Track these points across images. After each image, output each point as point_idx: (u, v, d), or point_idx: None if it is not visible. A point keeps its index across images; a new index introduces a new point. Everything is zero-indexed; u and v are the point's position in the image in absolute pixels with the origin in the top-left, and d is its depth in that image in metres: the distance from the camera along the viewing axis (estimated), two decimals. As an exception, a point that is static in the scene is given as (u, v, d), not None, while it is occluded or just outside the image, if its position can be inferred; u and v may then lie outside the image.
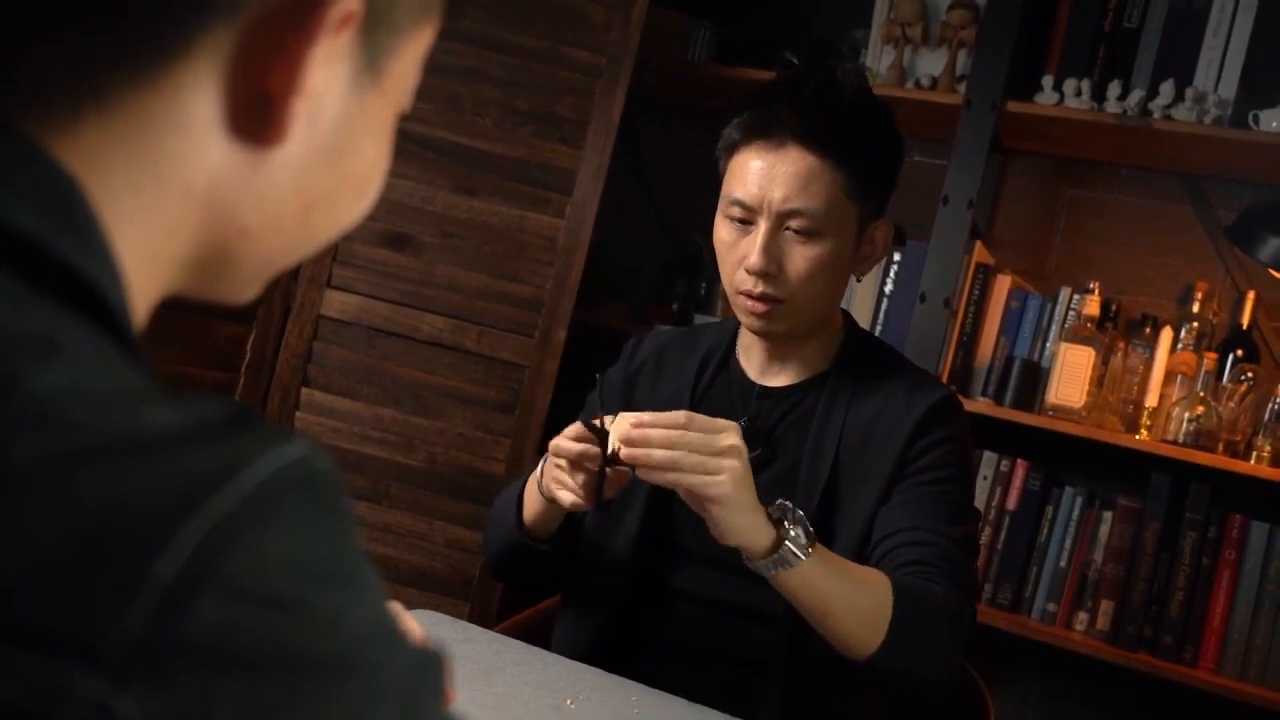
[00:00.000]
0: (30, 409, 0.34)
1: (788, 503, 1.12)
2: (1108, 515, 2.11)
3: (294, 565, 0.35)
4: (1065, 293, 2.16)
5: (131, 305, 0.42)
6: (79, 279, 0.39)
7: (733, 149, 1.30)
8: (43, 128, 0.41)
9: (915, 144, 2.41)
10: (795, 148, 1.25)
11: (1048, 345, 2.16)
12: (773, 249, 1.26)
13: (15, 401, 0.34)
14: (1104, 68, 2.14)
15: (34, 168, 0.40)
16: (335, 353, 2.11)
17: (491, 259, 2.09)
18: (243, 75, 0.43)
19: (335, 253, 2.09)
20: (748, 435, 1.32)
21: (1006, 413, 2.10)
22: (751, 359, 1.39)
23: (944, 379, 2.13)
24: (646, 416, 1.10)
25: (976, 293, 2.17)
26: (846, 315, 1.42)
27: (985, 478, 2.17)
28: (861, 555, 1.26)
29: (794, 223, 1.26)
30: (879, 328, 2.22)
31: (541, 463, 1.24)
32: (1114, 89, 2.07)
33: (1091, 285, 2.12)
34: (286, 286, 2.10)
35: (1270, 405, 2.00)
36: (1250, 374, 2.03)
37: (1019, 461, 2.17)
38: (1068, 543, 2.14)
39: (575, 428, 1.17)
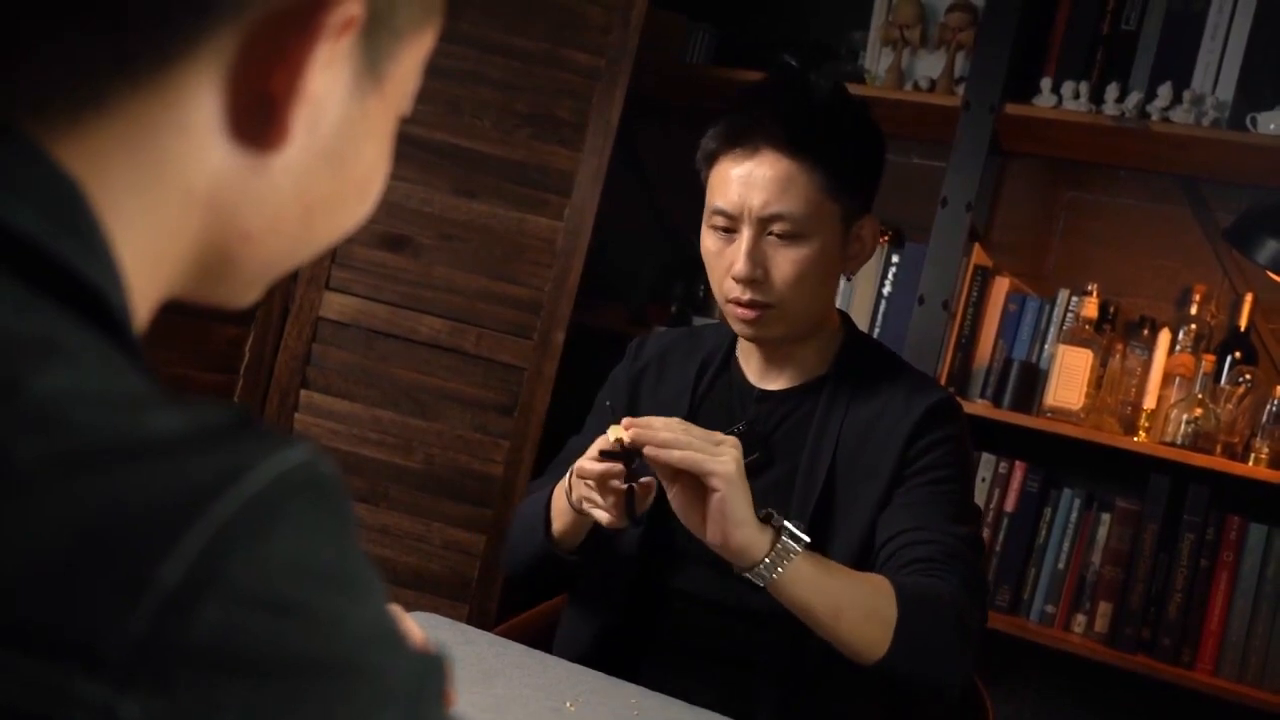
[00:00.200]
0: (32, 412, 0.34)
1: (773, 511, 1.13)
2: (1106, 517, 2.11)
3: (297, 569, 0.35)
4: (1063, 295, 2.16)
5: (133, 308, 0.42)
6: (81, 282, 0.39)
7: (711, 159, 1.31)
8: (44, 130, 0.41)
9: (913, 146, 2.42)
10: (770, 152, 1.26)
11: (1046, 347, 2.16)
12: (757, 255, 1.26)
13: (17, 404, 0.34)
14: (1102, 70, 2.14)
15: (36, 170, 0.40)
16: (334, 355, 2.11)
17: (490, 261, 2.09)
18: (244, 79, 0.43)
19: (334, 255, 2.09)
20: (746, 439, 1.32)
21: (1005, 414, 2.11)
22: (750, 362, 1.39)
23: (942, 381, 2.13)
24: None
25: (975, 295, 2.17)
26: (846, 317, 1.42)
27: (984, 479, 2.17)
28: (862, 558, 1.26)
29: (776, 227, 1.26)
30: (877, 330, 2.22)
31: (568, 475, 1.24)
32: (1112, 91, 2.07)
33: (1090, 287, 2.12)
34: (285, 288, 2.10)
35: (1268, 407, 2.01)
36: (1248, 376, 2.04)
37: (1017, 463, 2.17)
38: (1066, 544, 2.14)
39: (596, 448, 1.18)
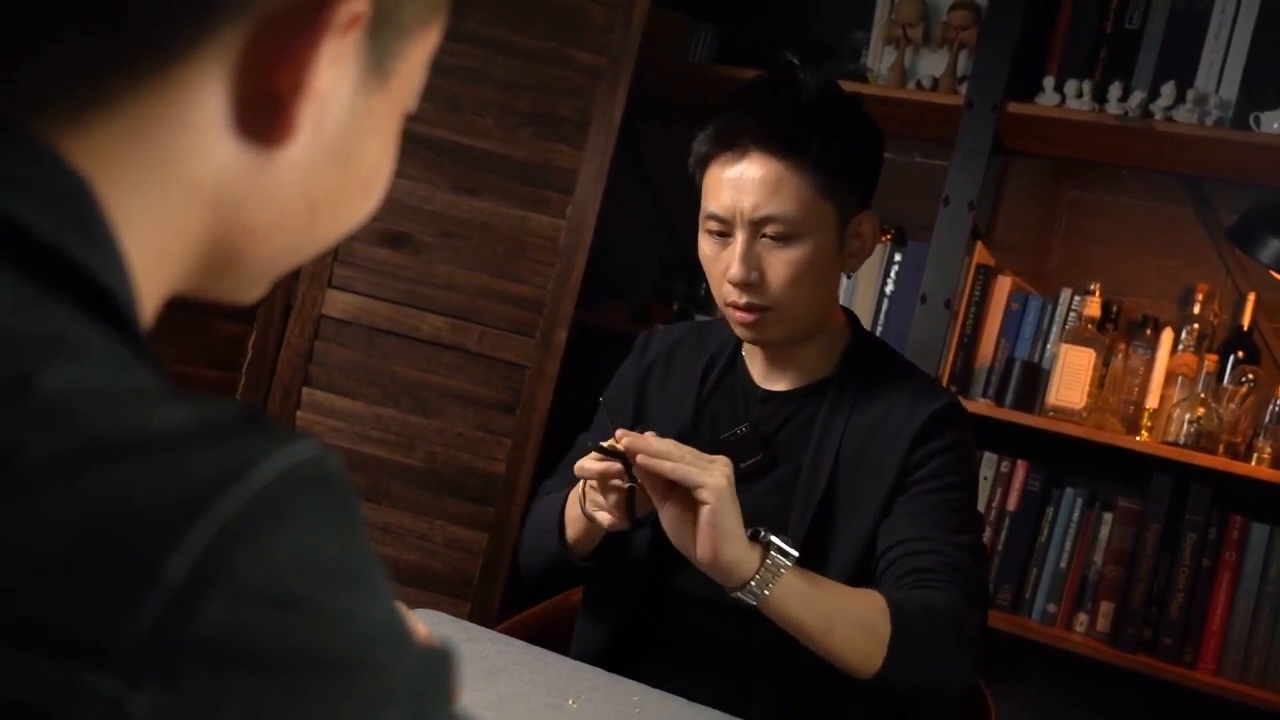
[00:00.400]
0: (41, 408, 0.34)
1: (760, 528, 1.13)
2: (1108, 516, 2.11)
3: (303, 565, 0.35)
4: (1066, 294, 2.16)
5: (139, 303, 0.42)
6: (88, 278, 0.39)
7: (703, 163, 1.30)
8: (50, 127, 0.41)
9: (916, 144, 2.42)
10: (759, 154, 1.24)
11: (1048, 346, 2.16)
12: (751, 258, 1.25)
13: (26, 400, 0.34)
14: (1105, 69, 2.14)
15: (42, 167, 0.40)
16: (336, 352, 2.11)
17: (492, 259, 2.09)
18: (250, 75, 0.43)
19: (336, 252, 2.09)
20: (749, 440, 1.32)
21: (1007, 414, 2.11)
22: (755, 362, 1.39)
23: (944, 380, 2.13)
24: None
25: (977, 294, 2.17)
26: (852, 317, 1.41)
27: (985, 478, 2.17)
28: (863, 563, 1.25)
29: (769, 229, 1.25)
30: (879, 329, 2.22)
31: (581, 483, 1.24)
32: (1115, 90, 2.07)
33: (1092, 286, 2.12)
34: (287, 286, 2.10)
35: (1271, 407, 2.01)
36: (1251, 375, 2.03)
37: (1019, 462, 2.17)
38: (1068, 544, 2.14)
39: (596, 451, 1.18)
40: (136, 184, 0.42)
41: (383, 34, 0.46)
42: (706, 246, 1.31)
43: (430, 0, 0.49)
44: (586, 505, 1.23)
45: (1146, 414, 2.08)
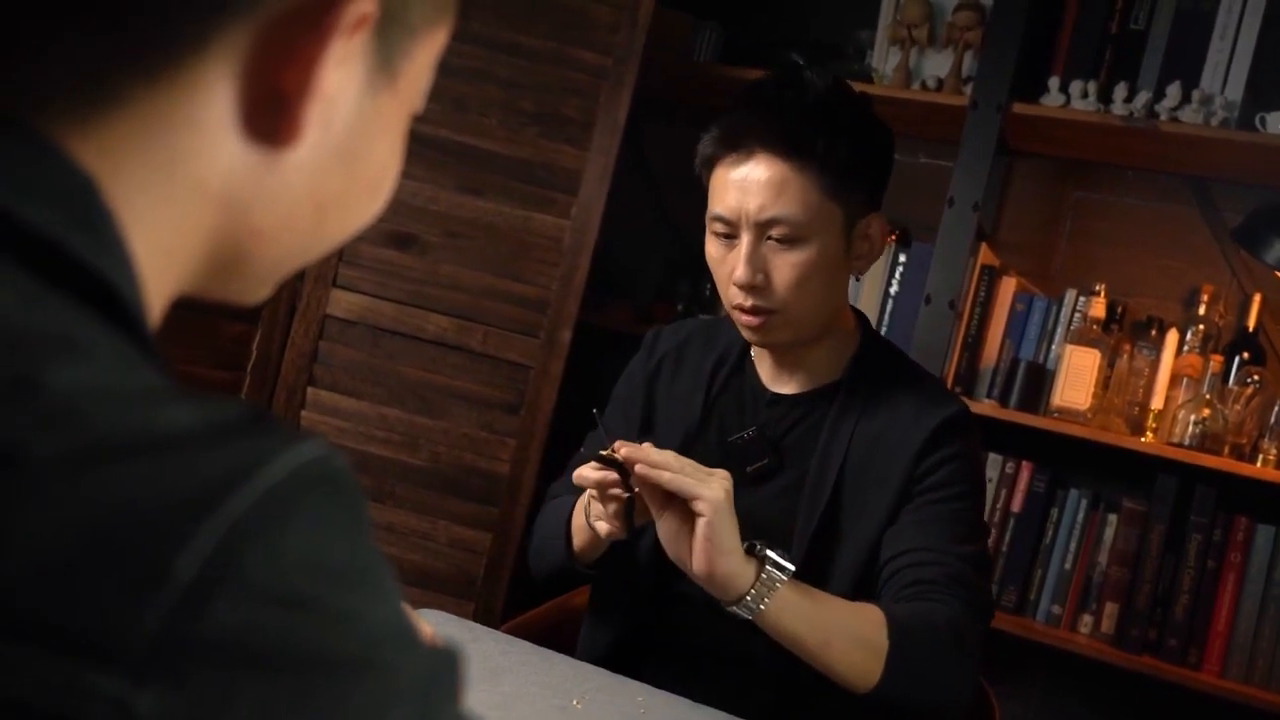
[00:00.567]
0: (48, 408, 0.34)
1: (756, 542, 1.13)
2: (1113, 518, 2.11)
3: (311, 565, 0.35)
4: (1071, 295, 2.16)
5: (146, 303, 0.42)
6: (95, 277, 0.39)
7: (709, 165, 1.29)
8: (57, 126, 0.41)
9: (921, 145, 2.41)
10: (764, 155, 1.23)
11: (1053, 347, 2.16)
12: (756, 260, 1.24)
13: (34, 401, 0.34)
14: (1110, 69, 2.13)
15: (50, 166, 0.40)
16: (341, 352, 2.11)
17: (497, 259, 2.09)
18: (257, 75, 0.43)
19: (341, 253, 2.09)
20: (756, 443, 1.32)
21: (1011, 415, 2.10)
22: (763, 364, 1.38)
23: (949, 381, 2.13)
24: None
25: (982, 294, 2.17)
26: (863, 319, 1.40)
27: (990, 480, 2.17)
28: (866, 570, 1.25)
29: (774, 231, 1.24)
30: (884, 329, 2.22)
31: (587, 493, 1.24)
32: (1120, 91, 2.07)
33: (1097, 287, 2.11)
34: (292, 286, 2.10)
35: (1276, 408, 2.00)
36: (1256, 377, 2.03)
37: (1024, 463, 2.17)
38: (1072, 545, 2.14)
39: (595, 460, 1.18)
40: (144, 184, 0.42)
41: (390, 34, 0.46)
42: (713, 248, 1.30)
43: (438, 1, 0.49)
44: (592, 516, 1.23)
45: (1151, 415, 2.07)
